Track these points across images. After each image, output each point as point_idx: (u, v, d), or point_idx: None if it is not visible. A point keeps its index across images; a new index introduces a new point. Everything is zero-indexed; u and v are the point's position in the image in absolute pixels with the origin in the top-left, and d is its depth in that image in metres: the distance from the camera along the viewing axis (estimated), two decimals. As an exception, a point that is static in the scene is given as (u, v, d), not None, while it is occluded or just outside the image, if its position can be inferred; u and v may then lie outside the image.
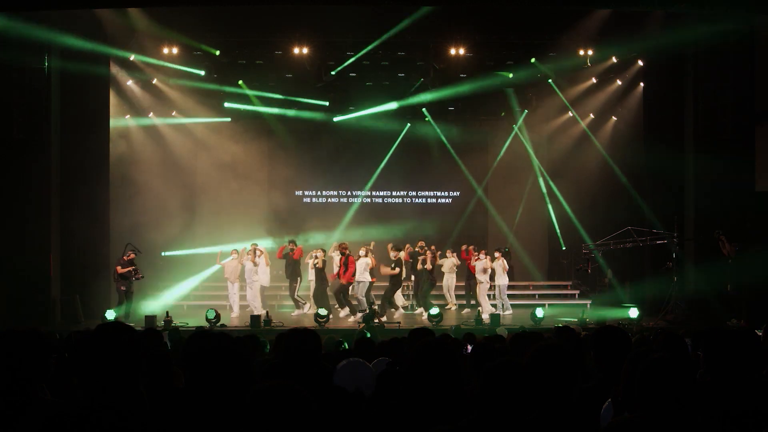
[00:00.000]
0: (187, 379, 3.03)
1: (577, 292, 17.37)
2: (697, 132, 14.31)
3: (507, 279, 15.10)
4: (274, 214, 18.71)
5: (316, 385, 3.27)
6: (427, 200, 19.99)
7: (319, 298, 14.32)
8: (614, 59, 15.69)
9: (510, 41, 15.29)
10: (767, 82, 13.67)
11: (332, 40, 15.21)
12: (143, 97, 16.70)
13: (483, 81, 16.87)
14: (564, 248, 18.47)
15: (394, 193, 19.83)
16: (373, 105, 17.92)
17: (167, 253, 17.07)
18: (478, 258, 15.09)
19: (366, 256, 14.21)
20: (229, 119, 18.36)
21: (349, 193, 19.77)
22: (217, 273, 16.11)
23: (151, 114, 17.26)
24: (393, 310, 14.41)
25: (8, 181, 13.48)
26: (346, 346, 7.60)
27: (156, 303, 14.56)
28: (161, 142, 17.55)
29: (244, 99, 17.60)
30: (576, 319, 13.38)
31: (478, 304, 14.83)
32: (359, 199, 19.71)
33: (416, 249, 15.18)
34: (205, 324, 12.83)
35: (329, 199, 19.76)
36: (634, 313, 13.24)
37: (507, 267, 15.08)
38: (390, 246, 14.90)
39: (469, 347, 6.32)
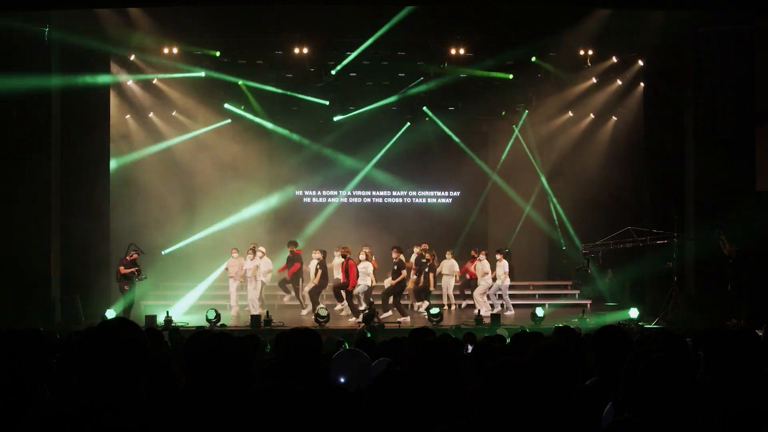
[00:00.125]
0: (188, 380, 3.03)
1: (577, 292, 17.38)
2: (697, 132, 14.30)
3: (509, 280, 15.11)
4: (274, 213, 18.71)
5: (316, 385, 3.27)
6: (427, 200, 19.98)
7: (314, 296, 14.39)
8: (614, 59, 15.69)
9: (510, 41, 15.28)
10: (767, 82, 13.67)
11: (332, 40, 15.20)
12: (143, 97, 16.69)
13: (483, 81, 16.96)
14: (564, 248, 18.46)
15: (394, 193, 19.82)
16: (373, 105, 17.93)
17: (167, 251, 17.07)
18: (479, 259, 15.09)
19: (366, 260, 14.21)
20: (229, 120, 18.36)
21: (349, 193, 19.77)
22: (223, 273, 16.23)
23: (151, 114, 17.26)
24: (399, 316, 14.28)
25: (8, 181, 13.47)
26: (347, 346, 7.60)
27: (173, 306, 14.45)
28: (161, 141, 17.54)
29: (245, 99, 17.60)
30: (576, 319, 13.38)
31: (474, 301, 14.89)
32: (359, 200, 19.72)
33: (420, 252, 15.15)
34: (206, 324, 12.83)
35: (329, 199, 19.77)
36: (634, 313, 13.23)
37: (507, 269, 15.06)
38: (393, 249, 14.89)
39: (470, 347, 6.32)
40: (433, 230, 18.40)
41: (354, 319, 13.89)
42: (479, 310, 14.19)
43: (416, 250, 15.60)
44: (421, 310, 14.75)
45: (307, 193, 19.75)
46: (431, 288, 14.98)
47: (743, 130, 13.83)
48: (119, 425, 2.42)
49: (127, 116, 16.54)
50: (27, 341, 2.84)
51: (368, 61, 15.91)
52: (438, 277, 15.47)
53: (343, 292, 14.33)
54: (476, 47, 15.43)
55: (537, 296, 17.13)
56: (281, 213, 18.80)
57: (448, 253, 15.81)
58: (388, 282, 14.97)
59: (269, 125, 18.55)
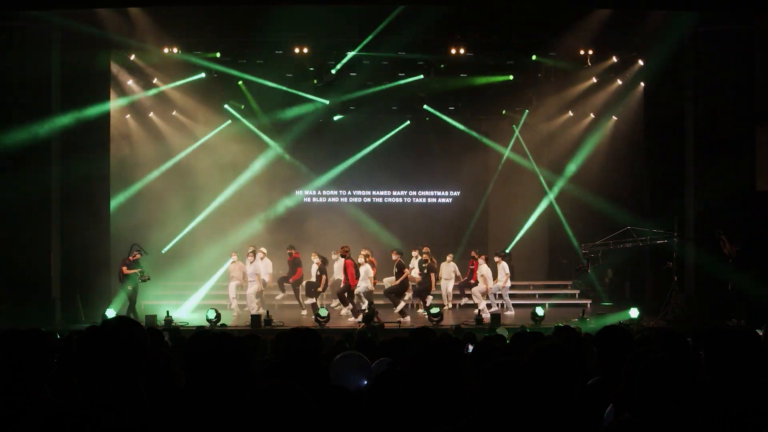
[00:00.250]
0: (188, 379, 3.03)
1: (577, 291, 17.39)
2: (698, 131, 14.30)
3: (509, 282, 15.11)
4: (274, 213, 18.72)
5: (316, 385, 3.27)
6: (427, 200, 19.98)
7: (312, 294, 14.51)
8: (614, 59, 15.69)
9: (510, 41, 15.29)
10: (767, 82, 13.67)
11: (333, 40, 15.20)
12: (143, 96, 16.69)
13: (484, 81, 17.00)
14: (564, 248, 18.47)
15: (394, 193, 19.82)
16: (374, 104, 17.93)
17: (167, 249, 17.07)
18: (479, 263, 15.06)
19: (365, 262, 14.20)
20: (229, 121, 18.36)
21: (349, 192, 19.77)
22: (224, 274, 16.24)
23: (151, 114, 17.25)
24: (400, 317, 14.27)
25: (9, 181, 13.46)
26: (347, 346, 7.60)
27: (162, 306, 14.46)
28: (162, 141, 17.54)
29: (245, 99, 17.60)
30: (576, 319, 13.38)
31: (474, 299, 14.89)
32: (359, 200, 19.72)
33: (422, 256, 15.12)
34: (206, 324, 12.83)
35: (329, 199, 19.77)
36: (634, 313, 13.24)
37: (508, 271, 15.05)
38: (393, 252, 14.88)
39: (470, 347, 6.32)
40: (433, 230, 18.41)
41: (353, 319, 13.88)
42: (479, 310, 14.19)
43: (414, 254, 15.59)
44: (421, 310, 14.71)
45: (307, 193, 19.75)
46: (432, 288, 14.97)
47: (743, 130, 13.83)
48: (119, 425, 2.42)
49: (128, 116, 16.53)
50: (28, 341, 2.84)
51: (368, 61, 15.91)
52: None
53: (346, 294, 14.30)
54: (476, 47, 15.43)
55: (537, 296, 17.13)
56: (281, 213, 18.80)
57: (449, 256, 15.82)
58: (388, 281, 14.96)
59: (269, 125, 18.52)
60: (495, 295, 15.01)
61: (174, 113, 17.74)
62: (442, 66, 15.87)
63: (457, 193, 19.98)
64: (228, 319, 14.14)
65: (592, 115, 17.73)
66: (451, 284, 15.79)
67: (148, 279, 13.96)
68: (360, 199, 19.74)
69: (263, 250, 15.21)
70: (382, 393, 3.71)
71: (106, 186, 14.89)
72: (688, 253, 14.34)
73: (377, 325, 12.34)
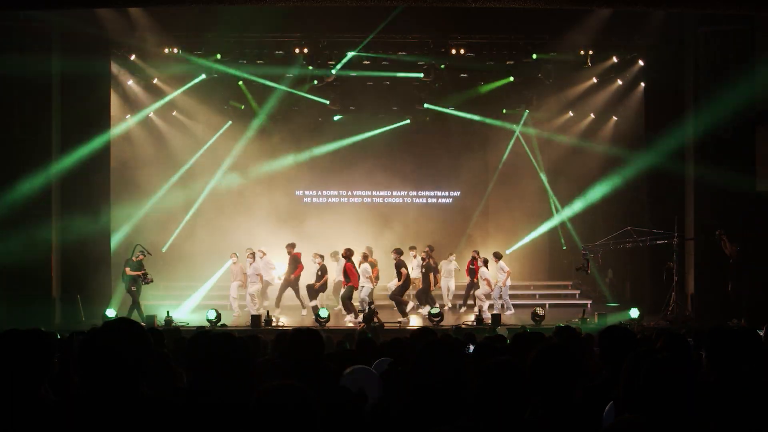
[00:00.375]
0: (190, 379, 3.03)
1: (577, 291, 17.38)
2: (698, 131, 14.30)
3: (509, 281, 15.10)
4: (274, 213, 18.71)
5: (319, 384, 3.27)
6: (427, 200, 19.97)
7: (313, 295, 14.44)
8: (614, 59, 15.69)
9: (511, 41, 15.30)
10: (767, 82, 13.67)
11: (333, 41, 15.19)
12: (144, 97, 16.69)
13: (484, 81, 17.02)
14: (564, 248, 18.47)
15: (394, 193, 19.81)
16: (374, 104, 17.92)
17: (166, 247, 17.06)
18: (479, 265, 15.03)
19: (365, 261, 14.17)
20: (230, 122, 18.35)
21: (349, 193, 19.77)
22: (224, 274, 16.24)
23: (151, 114, 17.25)
24: (401, 316, 14.27)
25: (9, 181, 13.46)
26: (348, 346, 7.61)
27: (162, 306, 14.44)
28: (162, 141, 17.53)
29: (245, 99, 17.60)
30: (576, 319, 13.38)
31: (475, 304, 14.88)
32: (359, 200, 19.71)
33: (421, 255, 15.11)
34: (206, 324, 12.82)
35: (329, 199, 19.76)
36: (634, 313, 13.24)
37: (508, 269, 15.04)
38: (393, 251, 14.87)
39: (471, 347, 6.32)
40: (433, 231, 18.40)
41: (349, 318, 13.83)
42: (480, 311, 14.18)
43: (413, 253, 15.56)
44: (422, 311, 14.69)
45: (307, 193, 19.75)
46: (432, 288, 14.95)
47: (743, 130, 13.83)
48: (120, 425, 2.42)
49: (128, 116, 16.53)
50: (29, 341, 2.84)
51: (369, 61, 15.92)
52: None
53: (350, 299, 14.24)
54: (477, 47, 15.43)
55: (537, 296, 17.13)
56: (281, 213, 18.80)
57: (451, 255, 15.79)
58: (393, 284, 14.92)
59: (269, 125, 18.52)
60: (498, 295, 14.97)
61: (174, 113, 17.73)
62: (443, 66, 15.85)
63: (457, 193, 19.97)
64: (228, 320, 14.13)
65: (592, 115, 17.72)
66: (452, 282, 15.79)
67: (152, 281, 13.95)
68: (360, 199, 19.73)
69: (263, 249, 15.21)
70: (384, 392, 3.71)
71: (107, 186, 14.88)
72: (688, 253, 14.35)
73: (377, 326, 12.33)
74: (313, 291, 14.64)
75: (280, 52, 15.60)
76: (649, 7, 12.71)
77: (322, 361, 3.82)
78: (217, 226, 17.98)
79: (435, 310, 13.61)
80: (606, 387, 3.47)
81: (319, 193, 19.82)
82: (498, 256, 15.15)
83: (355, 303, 14.35)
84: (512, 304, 15.21)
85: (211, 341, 2.89)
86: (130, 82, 16.13)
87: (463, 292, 15.87)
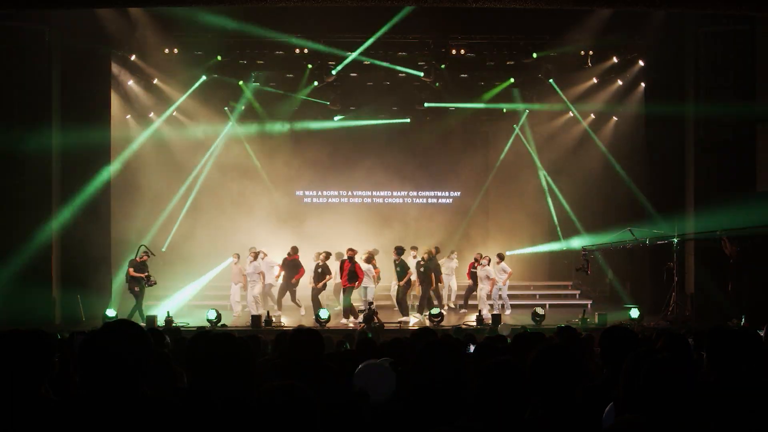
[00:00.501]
0: (191, 379, 3.03)
1: (577, 292, 17.38)
2: (698, 132, 14.31)
3: (508, 282, 15.11)
4: (275, 214, 18.71)
5: (319, 384, 3.27)
6: (427, 200, 19.97)
7: (315, 300, 14.40)
8: (615, 59, 15.69)
9: (511, 41, 15.30)
10: (767, 82, 13.68)
11: (333, 41, 15.20)
12: (144, 97, 16.69)
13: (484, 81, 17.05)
14: (565, 248, 18.45)
15: (394, 193, 19.81)
16: (374, 105, 17.93)
17: (166, 246, 17.08)
18: (482, 264, 15.00)
19: (368, 263, 14.15)
20: (230, 123, 18.36)
21: (349, 193, 19.77)
22: (221, 273, 16.18)
23: (152, 114, 17.25)
24: (404, 317, 14.24)
25: (9, 181, 13.47)
26: (348, 347, 7.61)
27: (164, 304, 14.44)
28: (162, 141, 17.53)
29: (245, 99, 17.60)
30: (577, 319, 13.39)
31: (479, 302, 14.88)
32: (359, 200, 19.72)
33: (423, 257, 15.07)
34: (206, 324, 12.82)
35: (329, 199, 19.77)
36: (634, 313, 13.24)
37: (509, 271, 15.04)
38: (394, 251, 14.85)
39: (472, 347, 6.32)
40: (433, 230, 18.40)
41: (346, 321, 13.79)
42: (481, 311, 14.18)
43: (413, 254, 15.56)
44: (417, 317, 14.55)
45: (307, 193, 19.75)
46: (432, 287, 14.88)
47: (743, 131, 13.84)
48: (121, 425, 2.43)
49: (128, 116, 16.53)
50: (30, 341, 2.85)
51: (369, 62, 15.92)
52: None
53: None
54: (477, 47, 15.43)
55: (537, 296, 17.13)
56: (281, 213, 18.80)
57: (453, 253, 15.75)
58: (394, 286, 14.87)
59: (269, 125, 18.53)
60: (496, 294, 14.96)
61: (174, 113, 17.73)
62: (443, 66, 15.86)
63: (457, 193, 19.98)
64: (228, 320, 14.13)
65: (592, 116, 17.72)
66: (454, 281, 15.78)
67: (155, 283, 13.92)
68: (360, 199, 19.73)
69: (264, 251, 15.20)
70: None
71: (107, 186, 14.88)
72: (688, 253, 14.35)
73: (377, 326, 12.33)
74: (316, 292, 14.54)
75: (281, 52, 15.59)
76: (649, 8, 12.71)
77: (322, 361, 3.82)
78: (217, 226, 17.98)
79: (435, 311, 13.59)
80: (606, 387, 3.47)
81: (319, 193, 19.82)
82: (501, 257, 15.13)
83: (356, 303, 14.34)
84: (511, 304, 15.20)
85: (212, 341, 2.90)
86: (131, 82, 16.13)
87: (464, 292, 15.88)
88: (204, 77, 16.07)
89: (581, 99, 17.26)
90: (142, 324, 12.10)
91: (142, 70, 15.85)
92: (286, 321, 14.10)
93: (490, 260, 15.11)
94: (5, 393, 2.70)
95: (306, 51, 15.11)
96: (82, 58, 13.98)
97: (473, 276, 15.41)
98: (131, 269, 13.80)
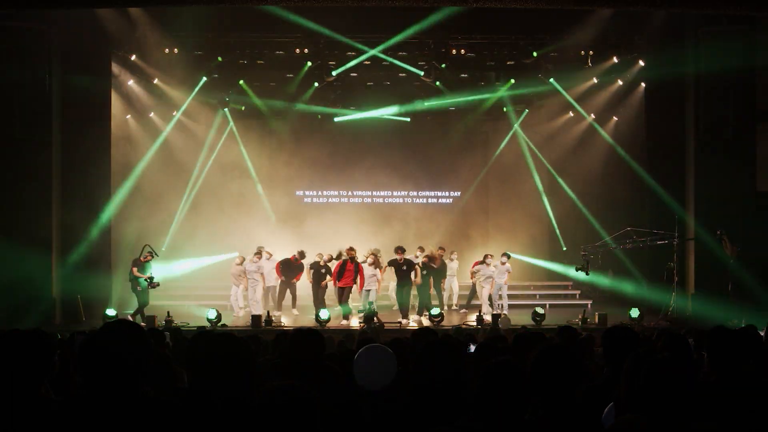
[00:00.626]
0: (191, 379, 3.03)
1: (578, 292, 17.37)
2: (698, 132, 14.31)
3: (508, 281, 15.10)
4: (275, 214, 18.72)
5: (319, 384, 3.27)
6: (427, 200, 19.98)
7: (317, 301, 14.38)
8: (615, 59, 15.69)
9: (511, 41, 15.30)
10: (767, 82, 13.69)
11: (334, 41, 15.19)
12: (144, 97, 16.69)
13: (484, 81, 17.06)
14: (564, 249, 18.45)
15: (394, 193, 19.82)
16: (374, 105, 17.94)
17: (165, 245, 17.10)
18: (486, 263, 14.98)
19: (373, 264, 14.12)
20: (230, 123, 18.36)
21: (349, 192, 19.78)
22: (220, 273, 16.19)
23: (152, 114, 17.25)
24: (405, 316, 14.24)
25: (9, 181, 13.47)
26: (347, 347, 7.59)
27: (162, 306, 14.42)
28: (162, 141, 17.53)
29: (246, 99, 17.61)
30: (577, 320, 13.39)
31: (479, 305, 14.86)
32: (359, 200, 19.72)
33: (423, 259, 15.04)
34: (206, 324, 12.81)
35: (329, 199, 19.77)
36: (634, 313, 13.23)
37: (510, 270, 15.03)
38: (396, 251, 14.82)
39: (472, 347, 6.32)
40: (433, 230, 18.40)
41: (346, 322, 13.78)
42: (481, 310, 14.18)
43: (417, 253, 15.53)
44: (415, 317, 14.53)
45: (307, 193, 19.76)
46: (430, 288, 14.88)
47: (744, 130, 13.84)
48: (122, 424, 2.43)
49: (128, 116, 16.53)
50: (29, 341, 2.85)
51: (369, 62, 15.92)
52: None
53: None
54: (477, 47, 15.43)
55: (537, 296, 17.13)
56: (281, 213, 18.81)
57: (453, 253, 15.76)
58: (392, 285, 14.85)
59: (270, 125, 18.53)
60: (497, 294, 14.95)
61: (174, 113, 17.73)
62: (443, 66, 15.86)
63: (457, 194, 19.98)
64: (228, 320, 14.12)
65: (592, 116, 17.72)
66: (455, 282, 15.78)
67: (158, 285, 13.88)
68: (360, 199, 19.74)
69: (269, 251, 15.19)
70: (384, 392, 3.71)
71: (107, 185, 14.88)
72: (688, 253, 14.34)
73: (377, 326, 12.33)
74: (316, 298, 14.50)
75: (281, 52, 15.59)
76: (649, 7, 12.72)
77: (323, 361, 3.82)
78: (217, 226, 17.98)
79: (435, 311, 13.59)
80: (607, 387, 3.47)
81: (319, 193, 19.83)
82: (507, 256, 15.09)
83: (356, 303, 14.33)
84: (511, 304, 15.18)
85: (212, 341, 2.89)
86: (131, 82, 16.13)
87: (465, 293, 15.86)
88: (204, 78, 16.07)
89: (581, 99, 17.26)
90: (142, 324, 12.10)
91: (142, 69, 15.84)
92: (286, 321, 14.09)
93: (492, 257, 15.11)
94: (5, 393, 2.71)
95: (306, 51, 15.11)
96: (82, 58, 13.97)
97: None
98: (134, 268, 13.79)
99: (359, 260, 14.21)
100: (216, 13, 13.93)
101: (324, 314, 13.28)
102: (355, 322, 13.52)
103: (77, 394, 2.67)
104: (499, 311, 14.50)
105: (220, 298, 15.56)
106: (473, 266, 15.41)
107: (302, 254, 15.03)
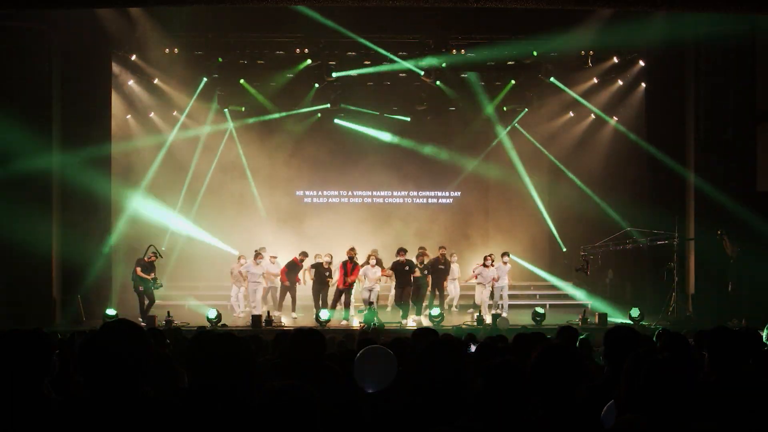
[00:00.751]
0: (192, 379, 3.03)
1: (578, 292, 17.36)
2: (698, 132, 14.31)
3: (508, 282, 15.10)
4: (274, 213, 18.72)
5: (320, 384, 3.27)
6: (427, 200, 19.98)
7: (317, 300, 14.37)
8: (615, 59, 15.69)
9: (511, 41, 15.30)
10: (767, 82, 13.69)
11: (334, 41, 15.19)
12: (145, 97, 16.69)
13: (484, 81, 17.06)
14: (564, 249, 18.45)
15: (394, 193, 19.82)
16: (374, 105, 17.93)
17: (165, 245, 17.09)
18: (488, 265, 14.95)
19: (375, 264, 14.11)
20: (230, 122, 18.36)
21: (349, 192, 19.78)
22: (220, 273, 16.20)
23: (152, 114, 17.25)
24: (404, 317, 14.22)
25: (9, 181, 13.46)
26: (348, 347, 7.59)
27: (162, 306, 14.43)
28: (162, 141, 17.53)
29: (246, 99, 17.60)
30: (577, 320, 13.38)
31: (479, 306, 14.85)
32: (359, 200, 19.72)
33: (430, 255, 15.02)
34: (207, 324, 12.81)
35: (330, 199, 19.77)
36: (634, 313, 13.23)
37: (509, 268, 15.04)
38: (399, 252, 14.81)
39: (473, 347, 6.32)
40: (433, 231, 18.40)
41: (346, 322, 13.78)
42: (481, 310, 14.18)
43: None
44: (415, 317, 14.51)
45: (307, 193, 19.76)
46: (429, 288, 14.84)
47: (744, 130, 13.85)
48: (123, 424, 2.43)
49: (128, 116, 16.53)
50: (29, 341, 2.85)
51: (369, 62, 15.93)
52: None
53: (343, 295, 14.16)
54: (477, 47, 15.43)
55: (538, 296, 17.13)
56: (281, 213, 18.81)
57: (453, 255, 15.79)
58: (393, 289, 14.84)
59: (270, 125, 18.53)
60: (498, 294, 14.94)
61: (174, 113, 17.74)
62: (444, 66, 15.86)
63: (457, 194, 19.98)
64: (229, 320, 14.12)
65: (592, 116, 17.72)
66: (456, 284, 15.77)
67: (161, 286, 13.88)
68: (360, 199, 19.74)
69: (274, 255, 15.15)
70: (384, 392, 3.71)
71: (108, 185, 14.88)
72: (688, 253, 14.34)
73: (377, 326, 12.32)
74: (317, 297, 14.48)
75: (281, 52, 15.59)
76: (649, 8, 12.72)
77: (323, 361, 3.82)
78: (218, 227, 17.98)
79: (436, 311, 13.59)
80: (607, 387, 3.47)
81: (319, 193, 19.83)
82: (507, 256, 15.07)
83: (357, 303, 14.33)
84: (511, 304, 15.18)
85: (212, 341, 2.89)
86: (131, 82, 16.13)
87: (465, 293, 15.85)
88: (205, 79, 16.07)
89: (581, 99, 17.25)
90: (143, 324, 12.10)
91: (142, 70, 15.84)
92: (286, 321, 14.09)
93: (493, 261, 15.09)
94: (5, 393, 2.71)
95: (306, 51, 15.10)
96: (82, 58, 13.97)
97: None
98: (138, 268, 13.78)
99: (358, 261, 14.22)
100: (216, 13, 13.93)
101: (324, 314, 13.29)
102: (355, 322, 13.52)
103: (77, 393, 2.67)
104: (498, 311, 14.51)
105: (220, 298, 15.56)
106: (474, 272, 15.21)
107: (305, 255, 15.04)
